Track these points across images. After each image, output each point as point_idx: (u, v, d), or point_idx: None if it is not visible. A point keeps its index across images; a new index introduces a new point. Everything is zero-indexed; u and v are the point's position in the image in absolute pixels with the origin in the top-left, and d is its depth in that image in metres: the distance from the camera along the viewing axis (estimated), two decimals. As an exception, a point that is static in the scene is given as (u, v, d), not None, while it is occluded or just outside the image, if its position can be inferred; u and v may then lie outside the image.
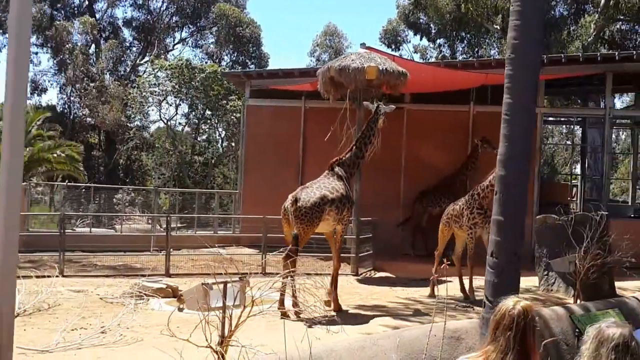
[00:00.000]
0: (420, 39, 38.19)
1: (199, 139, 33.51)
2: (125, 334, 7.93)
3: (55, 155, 24.31)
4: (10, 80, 3.01)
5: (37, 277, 10.51)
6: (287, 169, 19.93)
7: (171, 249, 18.13)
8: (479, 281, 13.13)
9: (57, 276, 10.33)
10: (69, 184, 24.28)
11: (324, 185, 10.30)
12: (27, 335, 7.91)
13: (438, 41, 36.82)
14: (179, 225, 23.27)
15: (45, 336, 7.76)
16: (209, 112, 31.86)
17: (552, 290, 11.96)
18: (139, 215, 24.73)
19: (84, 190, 23.53)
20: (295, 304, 8.84)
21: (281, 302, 9.22)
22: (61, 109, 36.03)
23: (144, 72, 32.77)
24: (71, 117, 35.39)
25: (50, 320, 8.74)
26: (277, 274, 12.39)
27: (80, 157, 26.45)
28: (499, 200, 6.02)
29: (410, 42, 40.46)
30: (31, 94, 37.02)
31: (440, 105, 19.37)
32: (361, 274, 14.66)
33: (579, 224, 10.03)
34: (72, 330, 8.08)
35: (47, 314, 9.21)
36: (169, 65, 30.47)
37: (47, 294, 9.76)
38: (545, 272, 12.08)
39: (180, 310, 9.15)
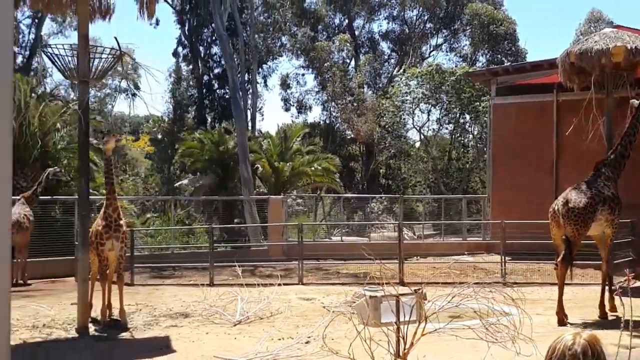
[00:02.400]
0: None
1: (453, 143, 32.88)
2: (328, 345, 7.73)
3: (312, 168, 25.63)
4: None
5: (261, 285, 10.86)
6: (538, 170, 18.63)
7: (417, 257, 18.12)
8: None
9: (279, 285, 10.56)
10: (321, 194, 25.38)
11: (593, 186, 9.98)
12: (236, 343, 8.12)
13: None
14: (428, 232, 22.95)
15: (253, 345, 7.89)
16: (465, 116, 31.14)
17: None
18: (391, 223, 24.87)
19: (343, 200, 24.32)
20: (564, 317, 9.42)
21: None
22: (324, 125, 37.98)
23: (398, 82, 33.16)
24: (333, 131, 37.11)
25: (265, 328, 8.90)
26: (517, 283, 11.42)
27: (337, 169, 27.50)
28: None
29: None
30: (298, 112, 39.74)
31: None
32: (616, 283, 12.84)
33: None
34: (279, 339, 8.11)
35: (266, 322, 9.43)
36: (419, 73, 30.41)
37: (268, 302, 10.03)
38: None
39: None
